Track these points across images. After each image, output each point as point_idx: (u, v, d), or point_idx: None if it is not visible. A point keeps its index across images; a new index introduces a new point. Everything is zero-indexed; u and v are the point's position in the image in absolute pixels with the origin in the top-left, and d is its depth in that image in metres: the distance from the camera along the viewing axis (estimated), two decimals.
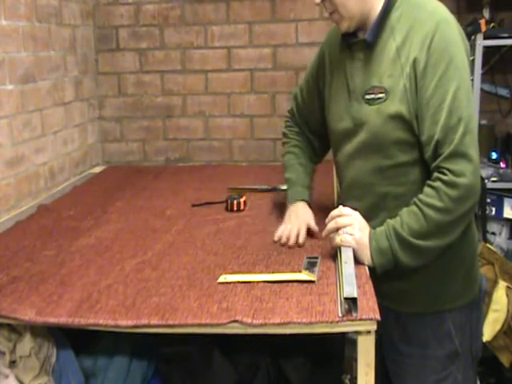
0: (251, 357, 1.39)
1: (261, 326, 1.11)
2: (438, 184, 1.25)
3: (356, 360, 1.14)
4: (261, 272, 1.34)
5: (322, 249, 1.48)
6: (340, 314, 1.12)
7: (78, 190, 2.19)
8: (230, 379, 1.38)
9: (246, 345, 1.36)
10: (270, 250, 1.49)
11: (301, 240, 1.50)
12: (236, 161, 2.64)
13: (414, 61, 1.27)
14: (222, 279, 1.30)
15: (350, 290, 1.16)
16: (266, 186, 2.08)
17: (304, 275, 1.29)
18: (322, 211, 1.76)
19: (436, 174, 1.27)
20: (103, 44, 2.63)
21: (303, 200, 1.62)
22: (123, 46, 2.63)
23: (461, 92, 1.25)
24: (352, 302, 1.12)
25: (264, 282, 1.28)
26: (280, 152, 2.61)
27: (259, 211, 1.84)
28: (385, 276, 1.41)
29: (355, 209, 1.38)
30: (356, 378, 1.14)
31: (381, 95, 1.32)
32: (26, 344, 1.24)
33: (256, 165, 2.58)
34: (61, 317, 1.16)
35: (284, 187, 2.06)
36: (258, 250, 1.49)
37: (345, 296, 1.14)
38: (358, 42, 1.39)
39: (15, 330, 1.26)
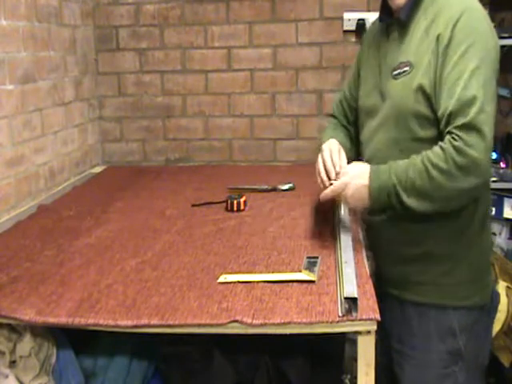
0: (251, 357, 1.39)
1: (261, 325, 1.11)
2: (447, 146, 1.25)
3: (356, 360, 1.14)
4: (261, 272, 1.34)
5: (322, 249, 1.48)
6: (340, 314, 1.12)
7: (77, 190, 2.19)
8: (230, 379, 1.38)
9: (245, 345, 1.36)
10: (269, 249, 1.49)
11: (337, 167, 1.44)
12: (236, 161, 2.64)
13: (438, 37, 1.30)
14: (222, 279, 1.30)
15: (350, 289, 1.16)
16: (266, 186, 2.08)
17: (304, 275, 1.29)
18: (321, 212, 1.76)
19: (447, 137, 1.26)
20: (103, 44, 2.63)
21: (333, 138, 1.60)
22: (123, 46, 2.63)
23: (479, 72, 1.25)
24: (352, 302, 1.12)
25: (264, 281, 1.28)
26: (280, 152, 2.62)
27: (259, 211, 1.84)
28: (388, 259, 1.45)
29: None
30: (356, 377, 1.14)
31: (406, 68, 1.36)
32: (26, 344, 1.24)
33: (256, 165, 2.58)
34: (61, 317, 1.17)
35: (284, 187, 2.07)
36: (258, 250, 1.49)
37: (345, 296, 1.14)
38: (393, 22, 1.44)
39: (15, 329, 1.26)
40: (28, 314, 1.17)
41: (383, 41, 1.48)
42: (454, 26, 1.28)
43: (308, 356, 1.40)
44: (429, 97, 1.31)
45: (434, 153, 1.27)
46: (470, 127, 1.23)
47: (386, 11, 1.47)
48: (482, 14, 1.33)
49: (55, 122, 2.23)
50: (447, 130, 1.27)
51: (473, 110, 1.23)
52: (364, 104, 1.52)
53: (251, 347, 1.38)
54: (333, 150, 1.47)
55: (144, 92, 2.65)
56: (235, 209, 1.83)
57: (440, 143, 1.28)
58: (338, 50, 2.49)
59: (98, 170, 2.55)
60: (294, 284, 1.27)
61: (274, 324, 1.11)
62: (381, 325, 1.20)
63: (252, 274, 1.33)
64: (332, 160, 1.44)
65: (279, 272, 1.33)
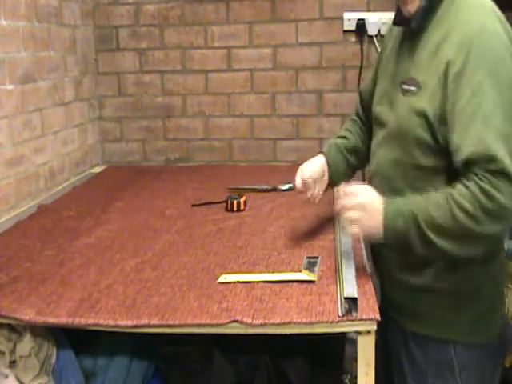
0: (251, 357, 1.39)
1: (261, 325, 1.11)
2: (474, 188, 1.13)
3: (356, 360, 1.14)
4: (261, 272, 1.34)
5: (322, 249, 1.48)
6: (340, 314, 1.12)
7: (77, 189, 2.19)
8: (230, 379, 1.38)
9: (245, 345, 1.36)
10: (269, 250, 1.49)
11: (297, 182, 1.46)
12: (236, 161, 2.64)
13: (448, 63, 1.18)
14: (222, 279, 1.30)
15: (351, 289, 1.16)
16: (266, 186, 2.08)
17: (304, 275, 1.29)
18: (322, 212, 1.76)
19: (473, 177, 1.14)
20: (103, 44, 2.63)
21: (321, 152, 1.56)
22: (123, 46, 2.63)
23: (499, 104, 1.13)
24: (352, 302, 1.12)
25: (264, 281, 1.28)
26: (280, 152, 2.62)
27: (259, 211, 1.84)
28: (389, 283, 1.40)
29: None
30: (356, 377, 1.14)
31: (413, 88, 1.26)
32: (26, 344, 1.24)
33: (256, 165, 2.58)
34: (61, 317, 1.17)
35: (284, 187, 2.07)
36: (258, 250, 1.49)
37: (345, 296, 1.14)
38: (407, 29, 1.33)
39: (15, 329, 1.26)
40: (28, 314, 1.17)
41: (400, 46, 1.38)
42: (468, 51, 1.15)
43: (308, 356, 1.40)
44: (432, 125, 1.22)
45: (459, 191, 1.15)
46: (497, 171, 1.11)
47: (401, 15, 1.35)
48: (499, 32, 1.18)
49: (55, 121, 2.23)
50: (470, 170, 1.14)
51: (500, 154, 1.11)
52: (375, 109, 1.43)
53: (251, 347, 1.38)
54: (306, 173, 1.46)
55: (144, 92, 2.65)
56: (235, 209, 1.83)
57: (464, 181, 1.15)
58: (338, 49, 2.49)
59: (97, 169, 2.55)
60: (294, 284, 1.27)
61: (273, 324, 1.11)
62: (383, 340, 1.18)
63: (252, 273, 1.33)
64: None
65: (279, 272, 1.33)
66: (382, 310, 1.18)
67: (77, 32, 2.44)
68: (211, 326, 1.13)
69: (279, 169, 2.45)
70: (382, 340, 1.43)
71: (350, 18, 2.43)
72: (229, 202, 1.84)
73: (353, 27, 2.44)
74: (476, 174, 1.14)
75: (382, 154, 1.38)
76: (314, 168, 1.50)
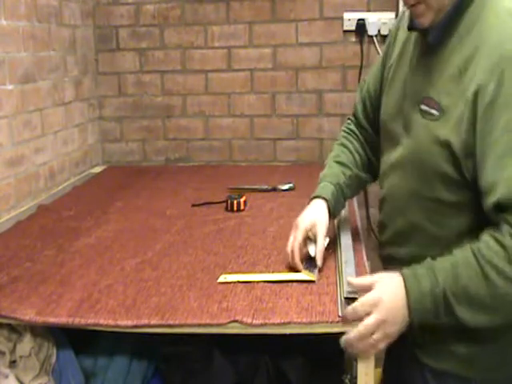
0: (251, 357, 1.39)
1: (261, 325, 1.11)
2: (508, 241, 0.98)
3: (356, 360, 1.13)
4: (261, 272, 1.34)
5: None
6: (340, 314, 1.12)
7: (77, 189, 2.19)
8: (230, 379, 1.38)
9: (245, 345, 1.36)
10: (270, 249, 1.49)
11: (296, 261, 1.29)
12: (236, 161, 2.64)
13: (478, 89, 1.03)
14: (221, 279, 1.30)
15: (350, 289, 1.16)
16: (266, 186, 2.08)
17: (304, 275, 1.29)
18: None
19: (506, 227, 0.99)
20: (103, 44, 2.63)
21: (320, 197, 1.37)
22: (123, 46, 2.63)
23: None
24: (352, 302, 1.12)
25: (264, 281, 1.28)
26: (280, 152, 2.62)
27: (259, 211, 1.84)
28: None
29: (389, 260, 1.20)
30: (356, 377, 1.14)
31: (434, 112, 1.11)
32: (26, 344, 1.24)
33: (256, 165, 2.58)
34: (61, 317, 1.17)
35: (284, 187, 2.07)
36: (258, 250, 1.49)
37: (345, 296, 1.14)
38: (423, 40, 1.17)
39: (15, 329, 1.26)
40: (28, 314, 1.17)
41: (415, 54, 1.21)
42: (501, 77, 1.00)
43: (308, 356, 1.40)
44: (456, 158, 1.07)
45: (491, 249, 1.00)
46: None
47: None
48: None
49: (55, 122, 2.23)
50: (502, 217, 1.00)
51: None
52: (385, 124, 1.29)
53: (251, 347, 1.38)
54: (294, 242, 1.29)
55: (144, 92, 2.65)
56: (235, 209, 1.83)
57: (496, 234, 1.00)
58: (338, 49, 2.49)
59: (97, 169, 2.55)
60: (294, 284, 1.27)
61: (273, 324, 1.11)
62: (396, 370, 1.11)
63: (252, 273, 1.33)
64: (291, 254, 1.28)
65: (279, 272, 1.33)
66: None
67: (77, 32, 2.44)
68: (211, 325, 1.13)
69: (279, 169, 2.45)
70: (394, 369, 1.35)
71: (350, 18, 2.43)
72: (229, 201, 1.84)
73: (353, 27, 2.44)
74: (508, 223, 0.99)
75: (395, 180, 1.24)
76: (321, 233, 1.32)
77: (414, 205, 1.18)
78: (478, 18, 1.08)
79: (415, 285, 1.03)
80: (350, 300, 1.12)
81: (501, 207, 1.00)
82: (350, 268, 1.30)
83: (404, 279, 1.05)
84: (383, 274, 1.10)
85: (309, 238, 1.33)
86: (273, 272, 1.34)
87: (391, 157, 1.25)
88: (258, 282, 1.28)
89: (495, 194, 1.00)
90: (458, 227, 1.12)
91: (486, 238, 1.02)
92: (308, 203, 1.39)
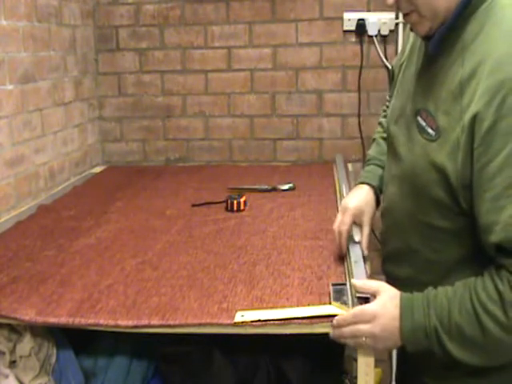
0: (251, 357, 1.39)
1: (261, 326, 1.11)
2: (504, 289, 0.95)
3: (356, 360, 1.13)
4: (263, 272, 1.34)
5: (322, 249, 1.47)
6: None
7: (77, 189, 2.19)
8: (230, 379, 1.37)
9: (245, 345, 1.36)
10: (270, 249, 1.49)
11: (343, 243, 1.32)
12: (236, 161, 2.64)
13: (475, 116, 0.96)
14: (238, 317, 1.13)
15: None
16: (266, 186, 2.08)
17: (335, 308, 1.13)
18: (322, 214, 1.76)
19: (504, 273, 0.96)
20: (103, 44, 2.63)
21: (370, 185, 1.39)
22: (123, 46, 2.63)
23: None
24: (364, 302, 1.10)
25: (285, 319, 1.12)
26: (280, 152, 2.62)
27: (259, 211, 1.84)
28: None
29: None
30: (356, 377, 1.14)
31: (431, 131, 1.05)
32: (26, 344, 1.24)
33: (256, 165, 2.58)
34: (61, 317, 1.17)
35: (284, 187, 2.07)
36: (258, 250, 1.49)
37: (357, 296, 1.12)
38: (427, 49, 1.12)
39: (15, 329, 1.26)
40: (28, 314, 1.17)
41: (420, 57, 1.17)
42: (500, 105, 0.93)
43: (308, 356, 1.40)
44: (453, 187, 1.02)
45: (487, 292, 0.97)
46: None
47: None
48: None
49: (55, 122, 2.23)
50: (501, 260, 0.97)
51: None
52: (388, 126, 1.25)
53: (251, 347, 1.38)
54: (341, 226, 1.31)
55: (144, 92, 2.65)
56: (235, 209, 1.83)
57: (494, 276, 0.97)
58: (338, 49, 2.49)
59: (97, 169, 2.55)
60: (294, 284, 1.27)
61: (274, 324, 1.11)
62: None
63: (272, 309, 1.16)
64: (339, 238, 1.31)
65: (303, 306, 1.17)
66: (399, 356, 1.08)
67: (77, 32, 2.44)
68: (211, 325, 1.13)
69: (279, 169, 2.45)
70: None
71: (350, 18, 2.43)
72: (229, 201, 1.84)
73: (353, 27, 2.44)
74: (508, 270, 0.95)
75: (393, 195, 1.21)
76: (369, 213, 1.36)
77: (410, 227, 1.15)
78: (481, 29, 1.01)
79: (409, 316, 1.02)
80: (362, 300, 1.10)
81: (501, 249, 0.96)
82: (359, 269, 1.25)
83: (400, 306, 1.04)
84: (387, 287, 1.09)
85: (354, 223, 1.37)
86: (296, 306, 1.17)
87: (392, 167, 1.24)
88: (279, 320, 1.12)
89: (495, 235, 0.96)
90: (455, 254, 1.09)
91: (487, 283, 0.98)
92: (355, 185, 1.43)
